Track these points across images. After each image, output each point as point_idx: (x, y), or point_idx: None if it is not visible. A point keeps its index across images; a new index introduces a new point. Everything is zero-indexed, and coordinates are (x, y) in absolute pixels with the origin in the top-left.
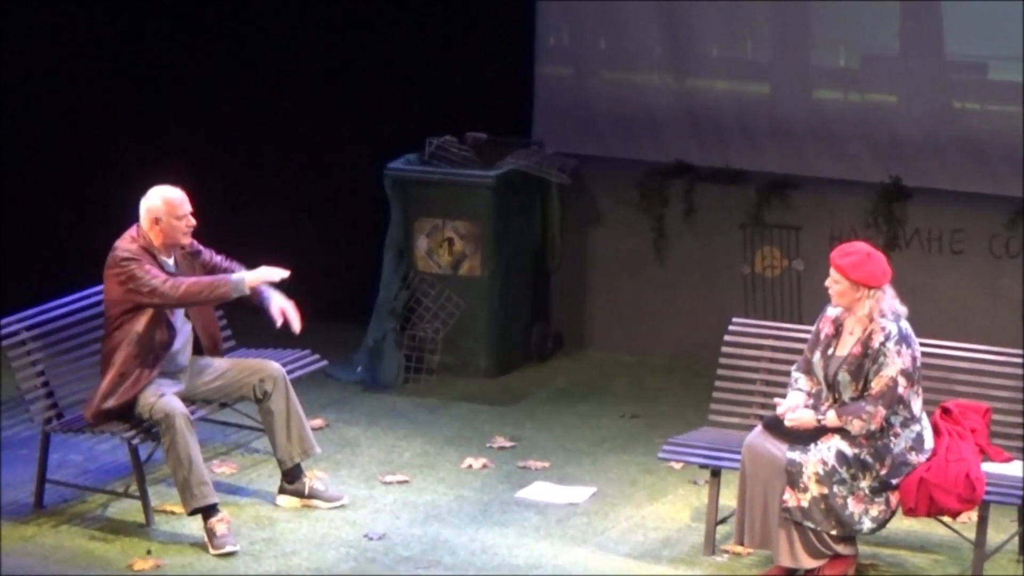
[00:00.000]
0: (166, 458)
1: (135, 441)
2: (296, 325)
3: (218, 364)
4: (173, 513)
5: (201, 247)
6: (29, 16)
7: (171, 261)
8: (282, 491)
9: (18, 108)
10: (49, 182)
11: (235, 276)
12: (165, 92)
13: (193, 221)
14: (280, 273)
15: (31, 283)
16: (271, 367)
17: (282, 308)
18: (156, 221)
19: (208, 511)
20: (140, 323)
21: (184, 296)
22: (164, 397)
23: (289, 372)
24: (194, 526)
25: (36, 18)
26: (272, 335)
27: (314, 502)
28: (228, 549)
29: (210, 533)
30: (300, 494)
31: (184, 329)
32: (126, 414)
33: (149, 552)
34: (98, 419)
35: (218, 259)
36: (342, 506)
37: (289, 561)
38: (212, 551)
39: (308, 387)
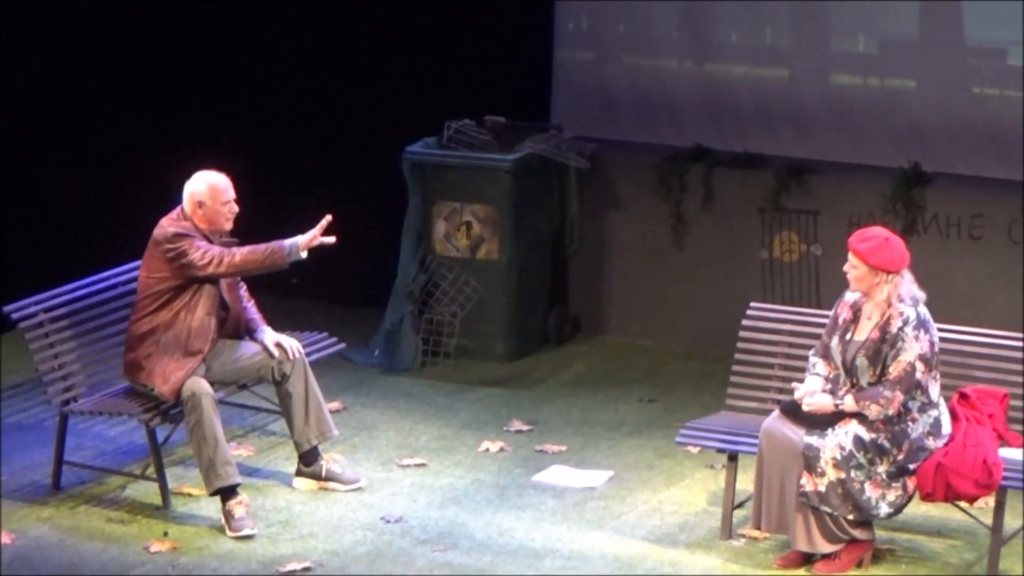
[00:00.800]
0: (189, 438)
1: (153, 423)
2: (294, 353)
3: (237, 345)
4: (190, 495)
5: (235, 241)
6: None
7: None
8: (299, 474)
9: (39, 92)
10: (69, 165)
11: (288, 241)
12: (185, 77)
13: (236, 208)
14: (325, 229)
15: (49, 265)
16: (292, 348)
17: (276, 341)
18: (200, 205)
19: (228, 493)
20: (182, 304)
21: (242, 263)
22: (191, 377)
23: (307, 355)
24: (211, 508)
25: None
26: (291, 318)
27: (331, 485)
28: (245, 532)
29: (228, 515)
30: (317, 477)
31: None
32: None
33: (166, 534)
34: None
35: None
36: (359, 489)
37: (306, 544)
38: (229, 533)
39: (326, 370)
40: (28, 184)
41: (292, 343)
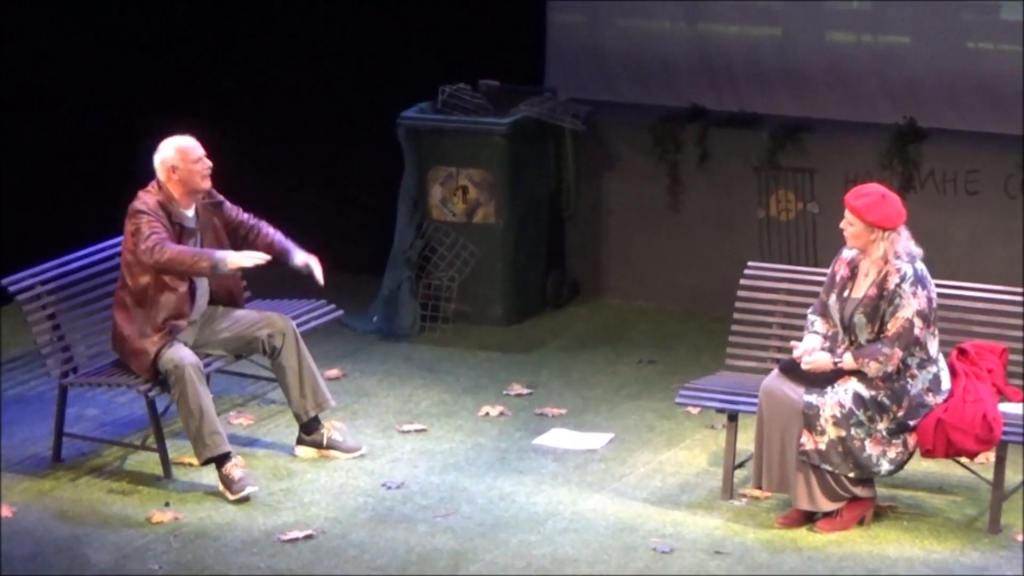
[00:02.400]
0: (178, 409)
1: (152, 394)
2: (320, 277)
3: (229, 314)
4: (191, 465)
5: (225, 200)
6: None
7: (191, 212)
8: (300, 442)
9: (40, 67)
10: (65, 137)
11: (219, 254)
12: (179, 45)
13: (209, 163)
14: (260, 258)
15: (47, 237)
16: (279, 322)
17: (305, 261)
18: (173, 170)
19: (221, 459)
20: (149, 279)
21: (167, 262)
22: (172, 347)
23: (305, 322)
24: (212, 477)
25: None
26: (288, 286)
27: (332, 453)
28: (248, 491)
29: (227, 480)
30: (318, 445)
31: (201, 282)
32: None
33: (167, 504)
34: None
35: (244, 217)
36: (361, 456)
37: (308, 511)
38: (231, 496)
39: (324, 337)
40: (24, 157)
41: (317, 267)
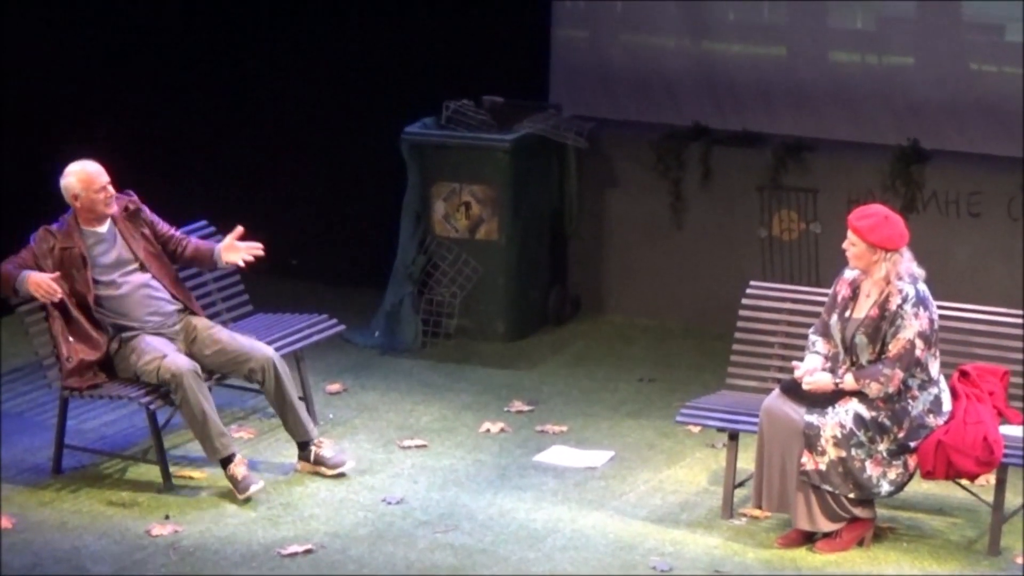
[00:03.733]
0: (182, 415)
1: (152, 406)
2: (248, 255)
3: (212, 336)
4: (191, 478)
5: (143, 207)
6: None
7: (103, 228)
8: (299, 457)
9: (44, 66)
10: (70, 142)
11: (21, 275)
12: (186, 57)
13: (112, 191)
14: (54, 292)
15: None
16: (259, 355)
17: (226, 260)
18: (75, 198)
19: (227, 459)
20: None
21: None
22: (168, 357)
23: (306, 336)
24: (212, 491)
25: None
26: (291, 299)
27: (320, 469)
28: (253, 489)
29: (233, 480)
30: (307, 460)
31: (136, 285)
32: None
33: (167, 517)
34: (74, 382)
35: (172, 231)
36: (342, 474)
37: (307, 525)
38: (239, 496)
39: (326, 351)
40: (26, 165)
41: (240, 251)
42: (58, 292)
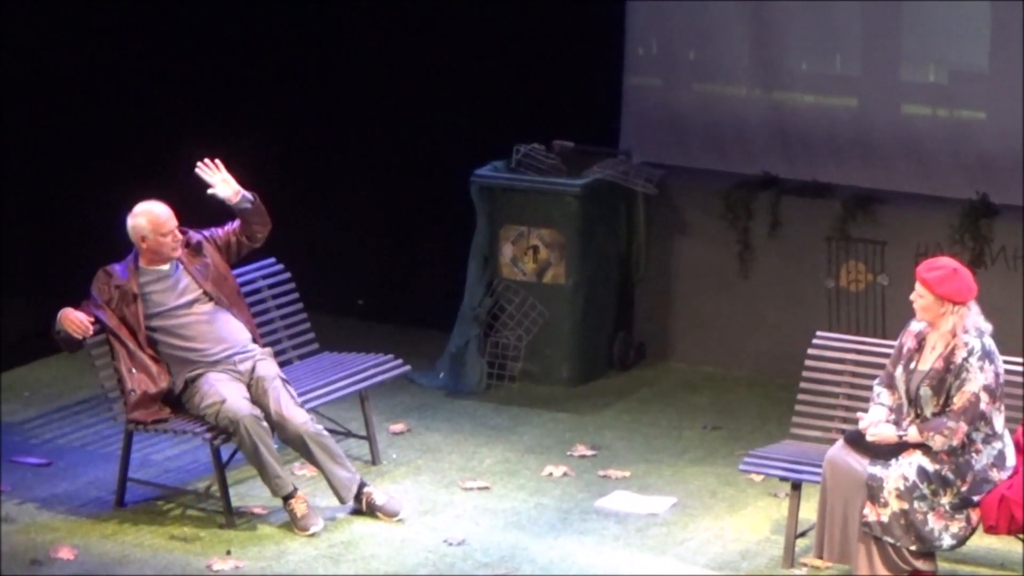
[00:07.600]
0: (244, 457)
1: (216, 442)
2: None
3: (262, 389)
4: (254, 514)
5: (202, 239)
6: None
7: (167, 267)
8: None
9: (86, 99)
10: (130, 180)
11: (60, 314)
12: (257, 94)
13: (180, 235)
14: (85, 330)
15: None
16: (290, 428)
17: (222, 195)
18: (143, 239)
19: (287, 497)
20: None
21: None
22: (227, 403)
23: (371, 377)
24: (274, 527)
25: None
26: (356, 339)
27: (377, 515)
28: (313, 529)
29: (293, 517)
30: (360, 512)
31: (201, 317)
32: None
33: (229, 552)
34: (139, 415)
35: (223, 230)
36: (400, 520)
37: (368, 564)
38: (299, 533)
39: (391, 392)
40: (85, 200)
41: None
42: (89, 330)
